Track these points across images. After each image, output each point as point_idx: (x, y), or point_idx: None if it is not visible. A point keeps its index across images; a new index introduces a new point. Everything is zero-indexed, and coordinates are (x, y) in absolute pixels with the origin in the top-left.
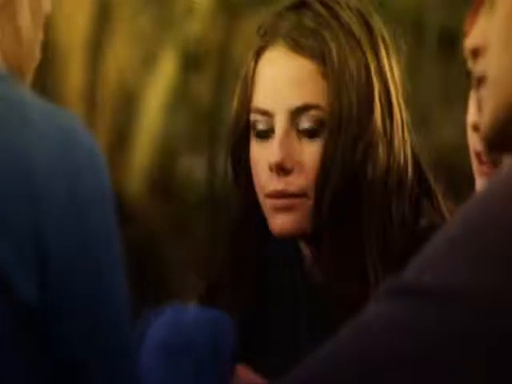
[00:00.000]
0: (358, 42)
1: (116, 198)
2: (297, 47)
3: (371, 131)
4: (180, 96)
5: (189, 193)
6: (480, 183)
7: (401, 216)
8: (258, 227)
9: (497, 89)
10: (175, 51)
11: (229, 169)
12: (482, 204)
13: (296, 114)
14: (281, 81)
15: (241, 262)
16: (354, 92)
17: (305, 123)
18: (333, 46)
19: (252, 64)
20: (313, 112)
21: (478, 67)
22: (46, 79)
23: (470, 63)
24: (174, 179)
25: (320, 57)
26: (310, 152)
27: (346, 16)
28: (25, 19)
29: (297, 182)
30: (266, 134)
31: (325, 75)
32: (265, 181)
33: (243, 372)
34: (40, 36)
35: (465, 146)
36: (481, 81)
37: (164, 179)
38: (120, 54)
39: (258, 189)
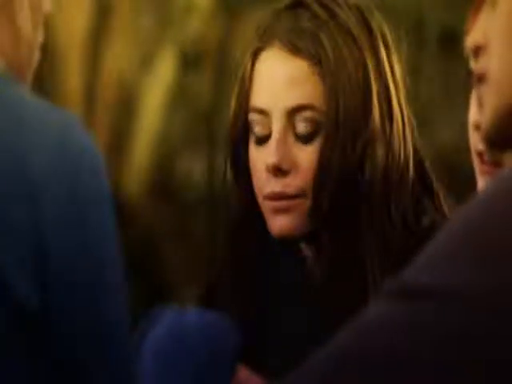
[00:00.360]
0: (356, 42)
1: (115, 198)
2: (293, 48)
3: (369, 131)
4: (179, 96)
5: (188, 193)
6: (481, 182)
7: (400, 215)
8: (257, 227)
9: (498, 86)
10: (174, 51)
11: (228, 169)
12: (484, 204)
13: (292, 114)
14: (278, 81)
15: (241, 262)
16: (350, 93)
17: (301, 124)
18: (329, 46)
19: (249, 64)
20: (309, 113)
21: (478, 65)
22: (44, 79)
23: (471, 61)
24: (173, 179)
25: (316, 58)
26: (307, 153)
27: (344, 15)
28: (24, 19)
29: (294, 183)
30: (263, 135)
31: (321, 76)
32: (263, 182)
33: (243, 372)
34: (40, 36)
35: (466, 146)
36: (481, 78)
37: (163, 179)
38: (119, 54)
39: (256, 190)
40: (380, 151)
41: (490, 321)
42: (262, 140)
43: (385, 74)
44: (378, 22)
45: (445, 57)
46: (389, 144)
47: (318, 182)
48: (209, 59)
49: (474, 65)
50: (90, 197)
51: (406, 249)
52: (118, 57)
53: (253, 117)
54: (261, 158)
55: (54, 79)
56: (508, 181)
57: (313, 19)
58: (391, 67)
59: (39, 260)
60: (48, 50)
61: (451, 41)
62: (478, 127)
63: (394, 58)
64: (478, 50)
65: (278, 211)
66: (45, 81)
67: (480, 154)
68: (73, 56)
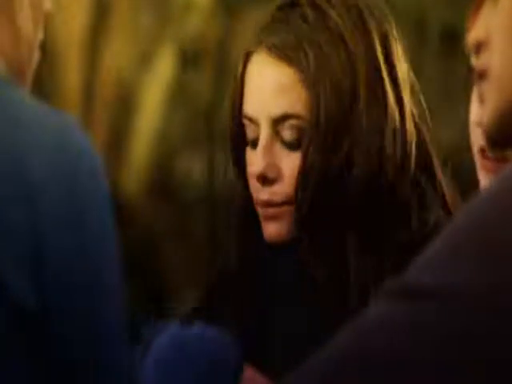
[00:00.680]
0: (346, 46)
1: (114, 198)
2: (279, 55)
3: (354, 137)
4: (178, 94)
5: (187, 192)
6: (483, 178)
7: (400, 216)
8: (257, 228)
9: (499, 83)
10: (173, 49)
11: (229, 168)
12: (486, 203)
13: (277, 122)
14: (265, 89)
15: (241, 262)
16: (334, 100)
17: (287, 132)
18: (311, 54)
19: (241, 67)
20: (294, 121)
21: (479, 61)
22: (43, 77)
23: (472, 58)
24: (173, 178)
25: (300, 65)
26: (293, 160)
27: (337, 17)
28: (24, 19)
29: (281, 190)
30: (254, 143)
31: (305, 84)
32: (254, 188)
33: (248, 372)
34: (40, 35)
35: (466, 145)
36: (482, 75)
37: (162, 178)
38: (118, 52)
39: (252, 194)
40: (371, 154)
41: (491, 320)
42: (254, 145)
43: (380, 74)
44: (379, 21)
45: (446, 55)
46: (382, 148)
47: (299, 188)
48: (208, 57)
49: (475, 61)
50: (89, 198)
51: (406, 249)
52: (117, 55)
53: (245, 121)
54: (251, 164)
55: (53, 77)
56: (510, 180)
57: (301, 23)
58: (392, 67)
59: (37, 261)
60: (47, 48)
61: (452, 39)
62: (480, 123)
63: (397, 57)
64: (479, 47)
65: (267, 218)
66: (44, 79)
67: (482, 150)
68: (72, 54)
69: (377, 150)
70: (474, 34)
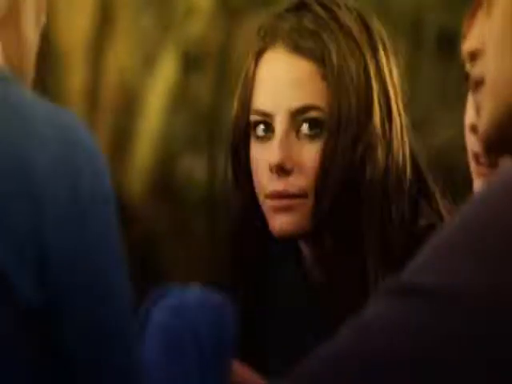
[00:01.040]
0: (357, 44)
1: (116, 199)
2: (296, 49)
3: (370, 132)
4: (180, 97)
5: (189, 193)
6: (478, 184)
7: (400, 216)
8: (257, 227)
9: (494, 91)
10: (176, 52)
11: (229, 169)
12: (482, 204)
13: (296, 114)
14: (281, 82)
15: (241, 261)
16: (353, 93)
17: (304, 124)
18: (332, 47)
19: (252, 65)
20: (312, 113)
21: (475, 70)
22: (47, 79)
23: (467, 66)
24: (175, 180)
25: (320, 58)
26: (310, 153)
27: (345, 18)
28: (29, 23)
29: (297, 182)
30: (266, 135)
31: (324, 76)
32: (265, 181)
33: (243, 371)
34: (37, 39)
35: (463, 147)
36: (478, 84)
37: (164, 180)
38: (121, 55)
39: (258, 189)
40: (380, 153)
41: (491, 320)
42: (264, 136)
43: (384, 76)
44: (377, 26)
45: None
46: (388, 146)
47: (320, 182)
48: (210, 61)
49: (470, 69)
50: (92, 197)
51: (405, 249)
52: (120, 58)
53: (255, 118)
54: (263, 157)
55: (57, 79)
56: (505, 181)
57: (315, 20)
58: (390, 70)
59: (39, 260)
60: (50, 50)
61: (449, 43)
62: (474, 129)
63: (393, 62)
64: (474, 55)
65: (279, 210)
66: (47, 81)
67: (476, 156)
68: (75, 56)
69: (385, 153)
70: (469, 43)
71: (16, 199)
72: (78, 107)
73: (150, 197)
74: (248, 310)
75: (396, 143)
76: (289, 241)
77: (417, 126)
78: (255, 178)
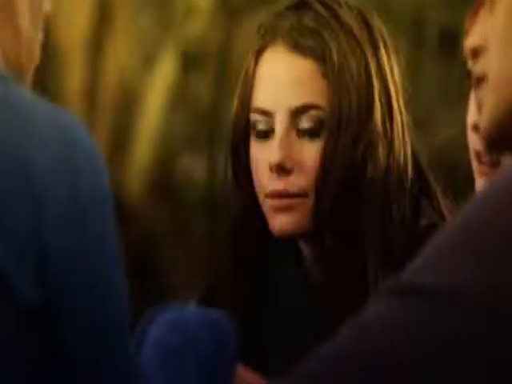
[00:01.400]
0: (358, 43)
1: (116, 198)
2: (297, 47)
3: (371, 131)
4: (180, 96)
5: (189, 193)
6: (480, 183)
7: (401, 216)
8: (257, 227)
9: (496, 88)
10: (175, 51)
11: (229, 169)
12: (483, 204)
13: (296, 113)
14: (281, 81)
15: (241, 261)
16: (354, 92)
17: (305, 123)
18: (333, 45)
19: (252, 64)
20: (313, 112)
21: (477, 67)
22: (46, 79)
23: (469, 63)
24: (174, 179)
25: (320, 57)
26: (310, 152)
27: (346, 16)
28: (25, 19)
29: (297, 181)
30: (266, 134)
31: (325, 75)
32: (265, 181)
33: (243, 372)
34: (40, 36)
35: (465, 146)
36: (480, 81)
37: (164, 179)
38: (120, 54)
39: (258, 189)
40: (381, 151)
41: (491, 320)
42: (264, 135)
43: (385, 75)
44: (378, 24)
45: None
46: (390, 145)
47: (320, 181)
48: (210, 60)
49: (472, 67)
50: (92, 197)
51: (405, 249)
52: (119, 57)
53: (255, 117)
54: (263, 156)
55: (56, 79)
56: (506, 181)
57: (316, 18)
58: (391, 68)
59: (39, 260)
60: (49, 50)
61: (451, 41)
62: (476, 128)
63: (394, 60)
64: (476, 52)
65: (279, 209)
66: (47, 81)
67: (478, 155)
68: (74, 56)
69: (387, 152)
70: (471, 40)
71: (16, 199)
72: (77, 107)
73: (149, 196)
74: (248, 310)
75: (397, 142)
76: (289, 240)
77: (418, 124)
78: (255, 178)
